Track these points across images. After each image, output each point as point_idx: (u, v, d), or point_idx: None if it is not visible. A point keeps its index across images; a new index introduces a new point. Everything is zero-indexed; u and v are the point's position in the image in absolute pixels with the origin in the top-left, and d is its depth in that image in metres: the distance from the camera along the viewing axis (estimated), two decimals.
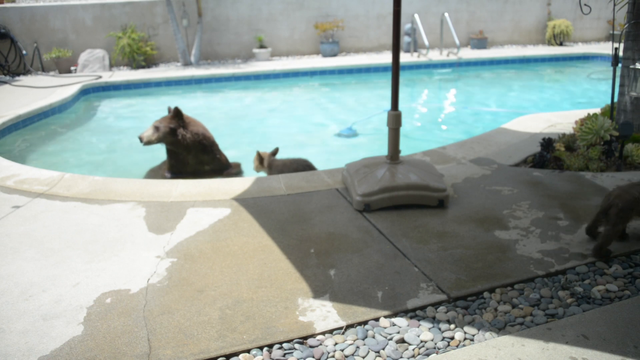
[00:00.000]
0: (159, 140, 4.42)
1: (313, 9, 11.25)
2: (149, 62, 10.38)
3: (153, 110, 7.81)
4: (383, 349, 1.94)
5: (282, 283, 2.35)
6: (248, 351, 1.93)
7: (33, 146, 5.92)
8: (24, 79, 9.05)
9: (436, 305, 2.19)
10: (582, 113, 4.99)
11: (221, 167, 4.73)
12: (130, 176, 4.63)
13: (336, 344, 1.97)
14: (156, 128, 4.38)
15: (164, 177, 4.61)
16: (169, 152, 4.60)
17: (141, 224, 3.00)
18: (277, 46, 11.21)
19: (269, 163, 4.40)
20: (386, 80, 9.30)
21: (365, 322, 2.09)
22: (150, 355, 1.89)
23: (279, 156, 4.53)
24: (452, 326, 2.05)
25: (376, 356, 1.91)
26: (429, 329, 2.04)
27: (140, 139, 4.37)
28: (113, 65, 10.34)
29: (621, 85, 4.18)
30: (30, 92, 7.83)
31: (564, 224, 2.87)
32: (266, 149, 4.55)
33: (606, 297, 2.21)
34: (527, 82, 9.54)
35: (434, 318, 2.10)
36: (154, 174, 4.82)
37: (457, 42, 10.73)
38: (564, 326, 1.97)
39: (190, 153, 4.53)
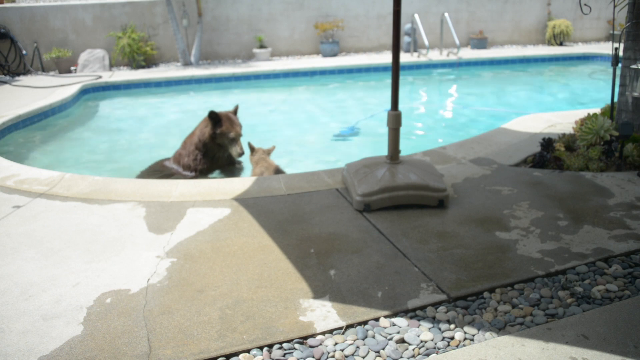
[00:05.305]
0: None
1: (313, 9, 11.25)
2: (149, 62, 10.39)
3: (153, 110, 7.82)
4: (383, 349, 1.94)
5: (282, 283, 2.35)
6: (248, 351, 1.93)
7: (33, 146, 5.92)
8: (24, 79, 9.05)
9: (436, 305, 2.19)
10: (582, 113, 4.99)
11: (234, 163, 4.85)
12: (130, 176, 4.62)
13: (336, 344, 1.97)
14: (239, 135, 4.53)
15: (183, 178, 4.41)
16: (209, 150, 4.57)
17: (141, 224, 3.00)
18: (277, 46, 11.21)
19: (257, 160, 4.38)
20: (386, 80, 9.30)
21: (365, 322, 2.09)
22: (150, 355, 1.89)
23: (274, 156, 4.51)
24: (452, 326, 2.05)
25: (376, 356, 1.91)
26: (429, 329, 2.04)
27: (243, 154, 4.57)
28: (113, 65, 10.34)
29: (621, 85, 4.18)
30: (30, 92, 7.84)
31: (564, 224, 2.87)
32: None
33: (606, 297, 2.21)
34: (527, 82, 9.53)
35: (434, 318, 2.10)
36: (148, 176, 4.55)
37: (457, 42, 10.72)
38: (564, 326, 1.97)
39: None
